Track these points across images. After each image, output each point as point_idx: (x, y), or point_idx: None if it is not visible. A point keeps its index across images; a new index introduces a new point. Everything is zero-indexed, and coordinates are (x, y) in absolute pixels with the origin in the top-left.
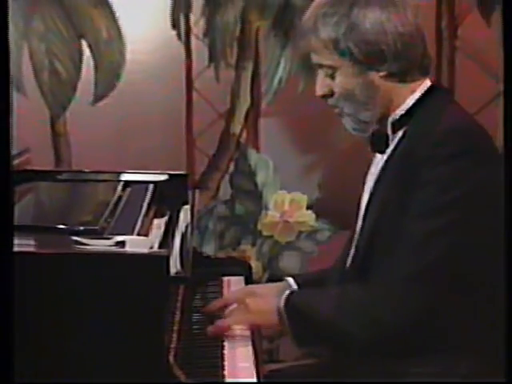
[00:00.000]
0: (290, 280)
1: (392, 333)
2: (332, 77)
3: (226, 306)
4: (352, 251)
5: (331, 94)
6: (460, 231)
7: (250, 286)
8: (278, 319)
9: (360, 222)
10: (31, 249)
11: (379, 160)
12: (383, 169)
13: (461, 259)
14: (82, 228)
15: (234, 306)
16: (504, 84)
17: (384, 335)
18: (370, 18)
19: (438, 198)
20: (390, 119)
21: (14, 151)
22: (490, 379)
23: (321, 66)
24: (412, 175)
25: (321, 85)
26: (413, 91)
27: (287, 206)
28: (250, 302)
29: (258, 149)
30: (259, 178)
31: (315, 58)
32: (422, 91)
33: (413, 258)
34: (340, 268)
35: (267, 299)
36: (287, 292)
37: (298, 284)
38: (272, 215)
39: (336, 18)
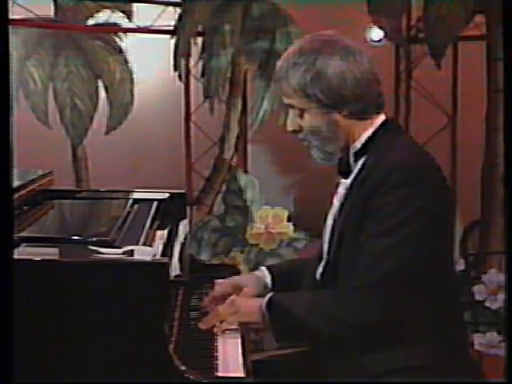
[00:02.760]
0: (264, 270)
1: (354, 330)
2: (301, 116)
3: (216, 299)
4: (322, 262)
5: (300, 130)
6: (408, 247)
7: (232, 278)
8: (262, 318)
9: (328, 238)
10: (55, 257)
11: (343, 184)
12: (346, 193)
13: (410, 269)
14: (96, 239)
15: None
16: (504, 84)
17: (348, 332)
18: (333, 68)
19: (389, 220)
20: (351, 150)
21: (39, 173)
22: (441, 370)
23: (291, 106)
24: (368, 199)
25: (291, 122)
26: (370, 125)
27: (270, 219)
28: (238, 304)
29: (246, 171)
30: (247, 196)
31: (286, 101)
32: (377, 126)
33: (372, 269)
34: (311, 275)
35: (252, 301)
36: (268, 295)
37: (270, 272)
38: (258, 227)
39: (304, 67)
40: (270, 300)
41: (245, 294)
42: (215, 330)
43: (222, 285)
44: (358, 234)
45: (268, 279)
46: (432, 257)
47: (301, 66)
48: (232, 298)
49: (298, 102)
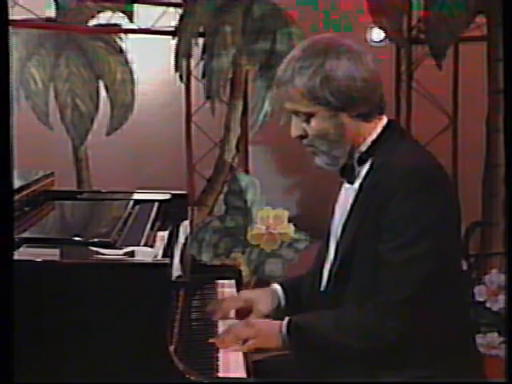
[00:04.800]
0: (277, 285)
1: (385, 345)
2: (307, 121)
3: (225, 312)
4: (326, 273)
5: (305, 135)
6: (432, 256)
7: (244, 292)
8: (281, 342)
9: (335, 244)
10: (56, 258)
11: (349, 189)
12: (355, 199)
13: (438, 277)
14: (97, 240)
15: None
16: (505, 85)
17: (378, 347)
18: (342, 69)
19: (409, 230)
20: (356, 154)
21: (40, 174)
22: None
23: (296, 112)
24: (383, 206)
25: (296, 128)
26: (374, 128)
27: (271, 220)
28: (258, 327)
29: (247, 172)
30: (248, 197)
31: (291, 106)
32: (381, 128)
33: (398, 285)
34: (315, 288)
35: (271, 325)
36: (287, 318)
37: (283, 289)
38: (259, 228)
39: (311, 70)
40: (289, 322)
41: (257, 312)
42: (234, 349)
43: (234, 299)
44: (374, 244)
45: (281, 295)
46: (453, 260)
47: (308, 69)
48: (251, 320)
49: (305, 106)
